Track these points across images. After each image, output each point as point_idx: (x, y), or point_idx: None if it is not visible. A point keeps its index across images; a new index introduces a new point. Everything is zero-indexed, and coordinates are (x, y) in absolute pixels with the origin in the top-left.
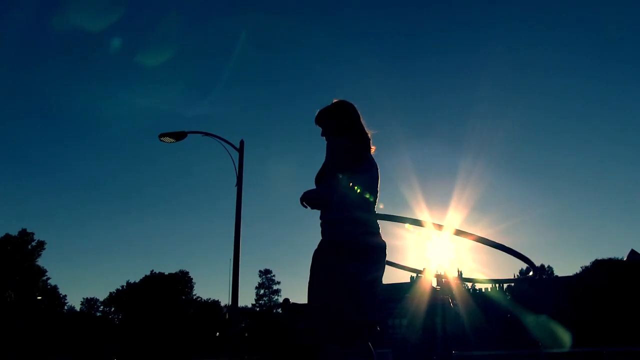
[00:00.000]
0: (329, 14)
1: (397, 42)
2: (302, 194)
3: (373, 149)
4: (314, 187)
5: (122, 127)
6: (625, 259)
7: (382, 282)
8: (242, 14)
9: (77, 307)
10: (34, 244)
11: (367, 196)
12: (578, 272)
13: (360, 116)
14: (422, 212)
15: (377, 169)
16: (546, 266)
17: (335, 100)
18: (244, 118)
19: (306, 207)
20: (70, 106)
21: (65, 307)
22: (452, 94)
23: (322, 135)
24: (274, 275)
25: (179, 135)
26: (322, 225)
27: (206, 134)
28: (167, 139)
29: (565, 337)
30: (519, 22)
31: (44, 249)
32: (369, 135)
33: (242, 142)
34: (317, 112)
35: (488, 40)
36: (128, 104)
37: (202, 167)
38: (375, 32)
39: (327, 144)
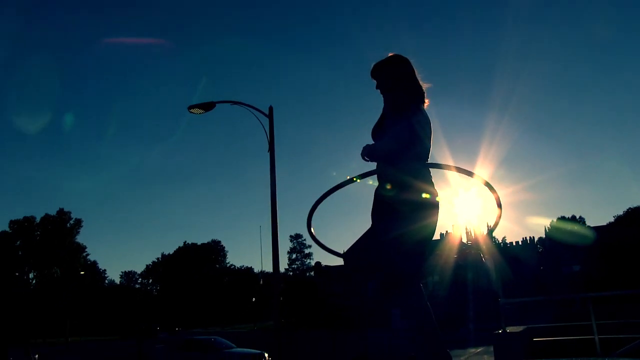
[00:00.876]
0: None
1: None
2: (362, 148)
3: (427, 102)
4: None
5: (152, 101)
6: None
7: (429, 235)
8: None
9: (117, 280)
10: (72, 222)
11: (429, 148)
12: (611, 221)
13: (415, 70)
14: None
15: (430, 122)
16: (577, 217)
17: (390, 55)
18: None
19: (367, 161)
20: (102, 76)
21: (106, 281)
22: (476, 49)
23: (377, 88)
24: (304, 240)
25: (207, 106)
26: (378, 178)
27: (234, 102)
28: (196, 110)
29: None
30: None
31: (82, 226)
32: (424, 88)
33: (271, 108)
34: (372, 65)
35: None
36: (161, 75)
37: (232, 136)
38: None
39: (384, 98)
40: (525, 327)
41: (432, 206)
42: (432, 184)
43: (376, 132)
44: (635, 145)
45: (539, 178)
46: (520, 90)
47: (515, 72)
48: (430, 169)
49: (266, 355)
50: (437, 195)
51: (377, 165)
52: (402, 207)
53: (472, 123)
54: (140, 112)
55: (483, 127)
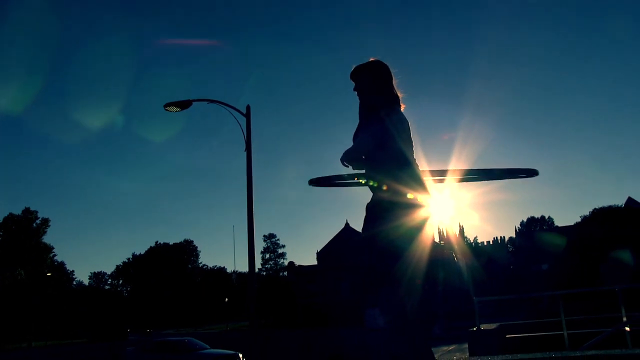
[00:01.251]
0: None
1: None
2: (342, 154)
3: (402, 106)
4: (338, 146)
5: (126, 99)
6: (623, 206)
7: (404, 234)
8: None
9: (86, 282)
10: (38, 221)
11: (402, 148)
12: (578, 221)
13: (393, 77)
14: (422, 168)
15: (407, 124)
16: (547, 217)
17: (371, 59)
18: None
19: (347, 167)
20: (68, 75)
21: (74, 282)
22: (449, 50)
23: (354, 90)
24: (278, 240)
25: (184, 104)
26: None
27: (212, 101)
28: (173, 108)
29: None
30: None
31: (49, 226)
32: (400, 96)
33: (248, 107)
34: (352, 68)
35: None
36: (136, 73)
37: (208, 135)
38: None
39: (360, 102)
40: (498, 324)
41: (407, 206)
42: (410, 184)
43: (356, 136)
44: (601, 149)
45: (509, 180)
46: (491, 93)
47: (487, 75)
48: (414, 168)
49: (240, 355)
50: (417, 196)
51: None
52: (376, 207)
53: (444, 125)
54: (113, 110)
55: (455, 129)
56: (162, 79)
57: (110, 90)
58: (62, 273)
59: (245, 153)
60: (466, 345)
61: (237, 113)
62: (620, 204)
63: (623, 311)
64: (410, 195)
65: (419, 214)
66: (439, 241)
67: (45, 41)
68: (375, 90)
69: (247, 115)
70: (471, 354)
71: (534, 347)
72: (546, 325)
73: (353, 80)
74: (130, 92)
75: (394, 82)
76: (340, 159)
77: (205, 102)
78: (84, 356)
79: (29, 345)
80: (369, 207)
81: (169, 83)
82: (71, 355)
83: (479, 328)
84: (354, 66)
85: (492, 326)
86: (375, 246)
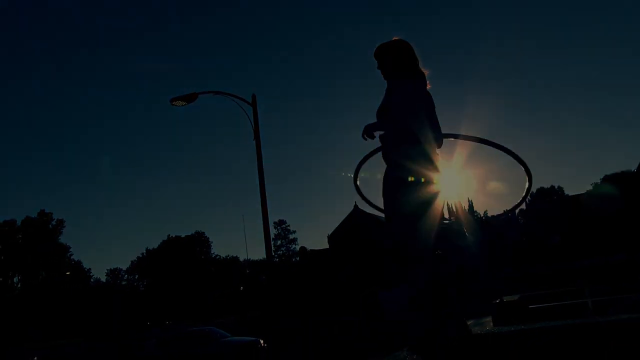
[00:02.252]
0: None
1: None
2: (364, 127)
3: (428, 85)
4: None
5: (132, 93)
6: (635, 171)
7: (413, 211)
8: None
9: (103, 279)
10: (53, 223)
11: (411, 125)
12: (589, 189)
13: (417, 55)
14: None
15: (430, 102)
16: (556, 187)
17: (395, 38)
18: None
19: (366, 140)
20: (76, 72)
21: (92, 280)
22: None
23: (378, 68)
24: (288, 226)
25: (189, 98)
26: (384, 155)
27: (217, 92)
28: (179, 103)
29: None
30: None
31: (64, 226)
32: (425, 73)
33: (254, 97)
34: (376, 46)
35: None
36: (137, 68)
37: (215, 126)
38: None
39: (388, 81)
40: (519, 295)
41: (413, 183)
42: (420, 162)
43: (380, 112)
44: (609, 111)
45: (517, 151)
46: (496, 60)
47: (489, 42)
48: (432, 146)
49: (261, 341)
50: (424, 174)
51: (382, 147)
52: (385, 184)
53: (451, 99)
54: (118, 105)
55: (463, 104)
56: (166, 72)
57: (117, 86)
58: (80, 271)
59: (254, 142)
60: (484, 320)
61: (244, 103)
62: (632, 169)
63: None
64: (416, 173)
65: (426, 191)
66: (449, 217)
67: None
68: (397, 68)
69: (254, 104)
70: (496, 325)
71: (558, 316)
72: (566, 294)
73: (376, 59)
74: (137, 87)
75: (419, 60)
76: (365, 132)
77: (211, 94)
78: (112, 351)
79: (67, 342)
80: (383, 182)
81: (171, 76)
82: (104, 349)
83: (502, 300)
84: (377, 44)
85: (515, 298)
86: (386, 224)
